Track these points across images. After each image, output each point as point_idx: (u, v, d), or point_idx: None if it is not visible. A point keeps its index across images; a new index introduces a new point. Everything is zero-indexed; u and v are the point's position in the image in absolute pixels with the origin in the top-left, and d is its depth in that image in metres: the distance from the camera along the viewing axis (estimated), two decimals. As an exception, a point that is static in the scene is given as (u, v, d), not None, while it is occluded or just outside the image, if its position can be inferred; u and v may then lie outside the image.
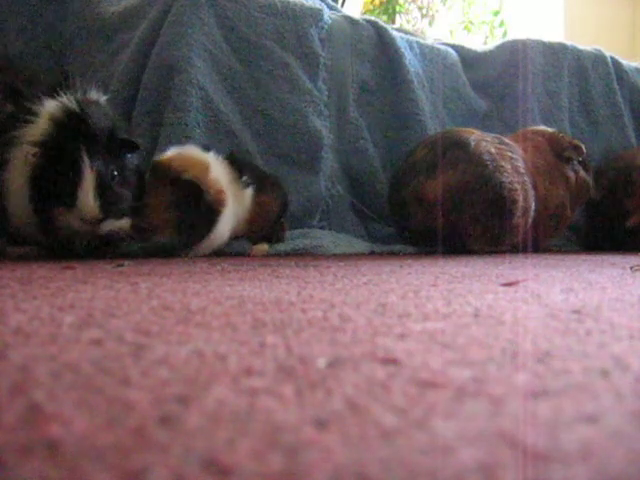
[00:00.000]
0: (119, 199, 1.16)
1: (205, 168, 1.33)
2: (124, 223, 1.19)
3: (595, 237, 2.20)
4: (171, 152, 1.37)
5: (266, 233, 1.55)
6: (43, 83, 1.24)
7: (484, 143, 1.65)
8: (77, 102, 1.15)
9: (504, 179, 1.61)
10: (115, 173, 1.17)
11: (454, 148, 1.62)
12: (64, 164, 1.11)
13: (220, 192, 1.34)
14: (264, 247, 1.51)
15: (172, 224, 1.26)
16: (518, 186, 1.64)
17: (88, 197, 1.11)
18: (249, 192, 1.45)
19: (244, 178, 1.44)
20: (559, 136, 1.89)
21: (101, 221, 1.13)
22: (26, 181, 1.12)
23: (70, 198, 1.11)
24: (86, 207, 1.11)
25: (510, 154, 1.69)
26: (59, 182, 1.11)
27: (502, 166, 1.63)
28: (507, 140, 1.77)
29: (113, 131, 1.18)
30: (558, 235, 2.01)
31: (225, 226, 1.37)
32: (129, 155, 1.23)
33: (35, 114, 1.14)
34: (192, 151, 1.39)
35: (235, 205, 1.40)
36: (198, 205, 1.29)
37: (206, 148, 1.44)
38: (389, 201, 1.77)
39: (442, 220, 1.58)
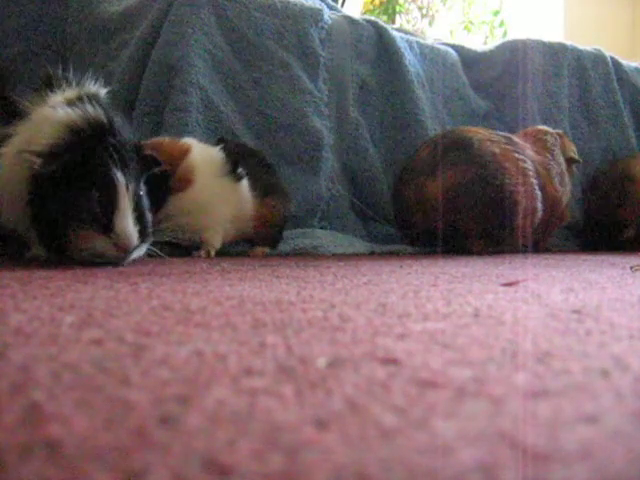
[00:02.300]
0: (149, 222, 1.05)
1: (180, 154, 1.32)
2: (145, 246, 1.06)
3: (593, 241, 2.20)
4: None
5: (272, 237, 1.53)
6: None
7: (488, 143, 1.62)
8: (104, 110, 1.02)
9: (506, 180, 1.59)
10: (141, 193, 1.04)
11: (456, 148, 1.61)
12: (90, 182, 0.97)
13: (185, 179, 1.32)
14: (264, 249, 1.50)
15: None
16: (521, 187, 1.61)
17: (129, 225, 0.98)
18: (244, 184, 1.41)
19: (239, 170, 1.39)
20: (564, 139, 1.90)
21: (136, 248, 1.01)
22: (24, 190, 0.99)
23: (104, 223, 0.97)
24: (126, 237, 0.98)
25: (516, 155, 1.65)
26: (84, 202, 0.96)
27: (504, 167, 1.60)
28: (516, 139, 1.74)
29: (138, 147, 1.07)
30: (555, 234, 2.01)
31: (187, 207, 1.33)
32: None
33: (28, 114, 1.03)
34: (173, 140, 1.38)
35: (220, 195, 1.37)
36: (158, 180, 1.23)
37: (221, 141, 1.44)
38: (392, 201, 1.76)
39: (442, 220, 1.57)
